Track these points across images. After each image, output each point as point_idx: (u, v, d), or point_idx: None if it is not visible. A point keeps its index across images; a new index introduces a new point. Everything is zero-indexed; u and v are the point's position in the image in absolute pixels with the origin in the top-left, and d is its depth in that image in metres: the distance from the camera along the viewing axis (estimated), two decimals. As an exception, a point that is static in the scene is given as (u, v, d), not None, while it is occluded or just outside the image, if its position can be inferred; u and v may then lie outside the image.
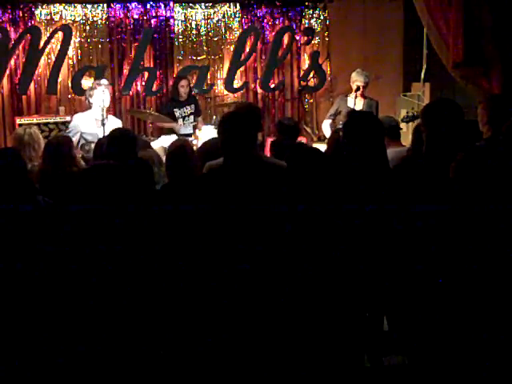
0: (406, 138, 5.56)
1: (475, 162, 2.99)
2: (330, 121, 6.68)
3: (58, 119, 7.50)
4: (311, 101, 8.54)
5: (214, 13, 8.29)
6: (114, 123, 5.88)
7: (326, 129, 6.64)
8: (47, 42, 7.78)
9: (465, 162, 3.02)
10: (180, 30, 8.24)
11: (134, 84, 8.10)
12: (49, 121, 7.45)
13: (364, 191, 3.37)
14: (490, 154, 3.12)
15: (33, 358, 3.07)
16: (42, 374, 3.08)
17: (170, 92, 7.81)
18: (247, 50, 8.32)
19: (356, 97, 6.42)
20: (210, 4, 8.27)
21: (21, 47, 7.76)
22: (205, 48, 8.31)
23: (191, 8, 8.25)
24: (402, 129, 5.40)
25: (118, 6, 7.96)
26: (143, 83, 8.12)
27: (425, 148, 3.49)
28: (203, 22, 8.28)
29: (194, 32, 8.28)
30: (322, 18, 8.47)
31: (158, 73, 8.09)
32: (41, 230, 3.13)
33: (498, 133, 3.37)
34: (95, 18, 7.99)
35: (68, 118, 7.54)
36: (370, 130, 3.65)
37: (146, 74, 8.11)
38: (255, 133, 3.51)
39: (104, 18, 7.98)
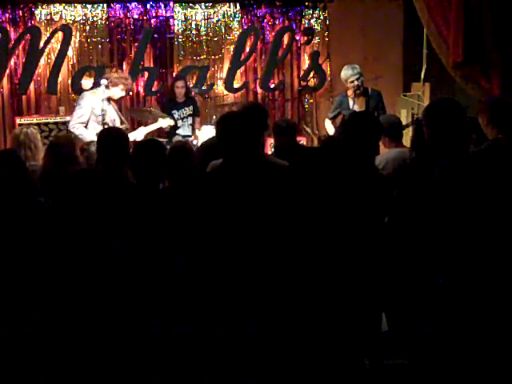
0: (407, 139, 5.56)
1: (458, 168, 2.99)
2: (330, 121, 6.57)
3: (58, 119, 7.49)
4: (311, 101, 8.53)
5: (214, 13, 8.29)
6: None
7: (329, 127, 6.54)
8: (47, 42, 7.78)
9: (447, 168, 3.02)
10: (180, 30, 8.23)
11: (133, 84, 8.10)
12: (49, 121, 7.44)
13: (359, 190, 3.37)
14: (482, 158, 3.12)
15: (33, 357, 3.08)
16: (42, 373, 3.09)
17: (167, 93, 7.81)
18: (247, 50, 8.32)
19: (354, 97, 6.07)
20: (210, 4, 8.27)
21: (21, 47, 7.76)
22: (205, 48, 8.30)
23: (191, 8, 8.24)
24: (404, 129, 5.36)
25: (118, 5, 7.96)
26: (143, 83, 8.12)
27: (427, 148, 3.49)
28: (203, 22, 8.28)
29: (193, 32, 8.27)
30: (321, 18, 8.46)
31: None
32: (42, 232, 3.13)
33: (503, 131, 3.37)
34: (95, 18, 7.98)
35: (68, 118, 7.53)
36: (368, 131, 3.65)
37: (146, 74, 8.11)
38: (255, 132, 3.48)
39: (104, 18, 7.97)
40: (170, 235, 3.21)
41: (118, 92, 6.15)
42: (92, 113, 5.93)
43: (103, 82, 5.97)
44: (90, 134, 5.75)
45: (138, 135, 6.27)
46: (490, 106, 3.51)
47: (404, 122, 6.54)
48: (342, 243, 3.17)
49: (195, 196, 3.34)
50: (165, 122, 6.67)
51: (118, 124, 6.02)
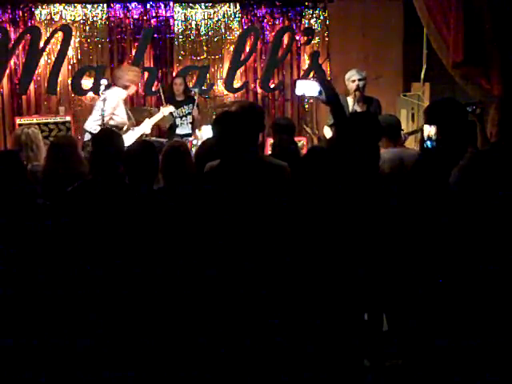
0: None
1: (479, 169, 2.98)
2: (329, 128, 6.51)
3: (58, 119, 7.51)
4: (311, 101, 8.53)
5: (214, 13, 8.30)
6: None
7: (328, 134, 6.50)
8: (47, 42, 7.78)
9: (469, 167, 3.02)
10: (180, 30, 8.24)
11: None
12: (49, 121, 7.45)
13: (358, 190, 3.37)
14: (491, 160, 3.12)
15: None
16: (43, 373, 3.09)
17: (166, 91, 7.80)
18: (247, 49, 8.32)
19: (354, 102, 5.98)
20: (210, 4, 8.28)
21: (21, 47, 7.76)
22: (205, 48, 8.31)
23: (191, 8, 8.25)
24: (403, 130, 5.35)
25: (118, 5, 7.97)
26: (143, 83, 8.11)
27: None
28: (203, 22, 8.29)
29: (193, 32, 8.29)
30: (321, 18, 8.47)
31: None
32: (41, 233, 3.13)
33: (506, 136, 3.34)
34: (95, 18, 7.99)
35: (68, 118, 7.56)
36: (367, 132, 3.64)
37: (146, 74, 8.11)
38: (253, 132, 3.47)
39: (104, 18, 7.98)
40: (167, 235, 3.21)
41: (133, 89, 6.45)
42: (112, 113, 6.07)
43: (103, 81, 5.97)
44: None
45: (144, 128, 6.39)
46: (501, 107, 3.46)
47: (404, 122, 6.52)
48: (342, 244, 3.17)
49: (190, 196, 3.34)
50: (166, 110, 6.76)
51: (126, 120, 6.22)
